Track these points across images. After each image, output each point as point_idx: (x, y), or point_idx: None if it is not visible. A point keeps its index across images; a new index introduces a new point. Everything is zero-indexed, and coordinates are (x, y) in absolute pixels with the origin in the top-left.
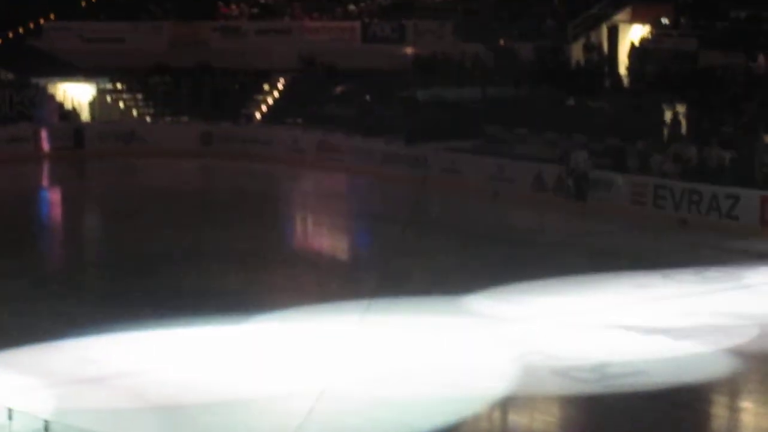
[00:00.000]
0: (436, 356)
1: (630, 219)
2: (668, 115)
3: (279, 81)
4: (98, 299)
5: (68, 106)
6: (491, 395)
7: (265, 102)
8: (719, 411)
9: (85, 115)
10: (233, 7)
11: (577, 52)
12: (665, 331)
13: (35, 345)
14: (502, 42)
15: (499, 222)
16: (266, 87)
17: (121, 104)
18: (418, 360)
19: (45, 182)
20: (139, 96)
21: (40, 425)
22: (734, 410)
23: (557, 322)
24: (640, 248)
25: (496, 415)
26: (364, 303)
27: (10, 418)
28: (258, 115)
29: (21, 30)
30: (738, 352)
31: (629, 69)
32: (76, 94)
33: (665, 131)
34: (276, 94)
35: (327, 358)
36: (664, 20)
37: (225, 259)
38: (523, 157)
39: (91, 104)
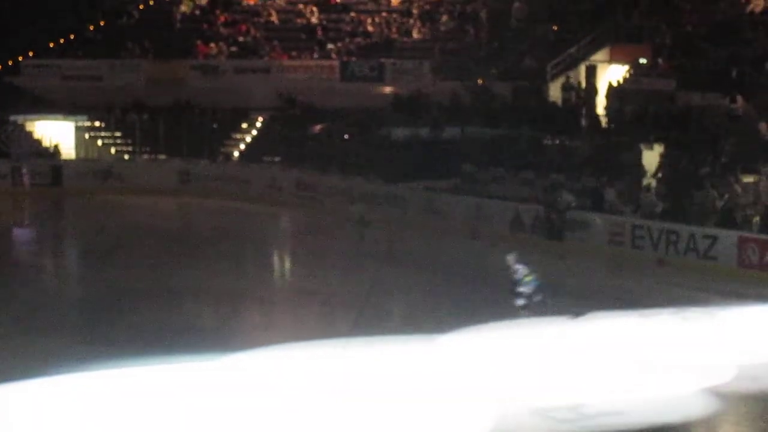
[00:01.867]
0: (410, 398)
1: (608, 259)
2: (646, 156)
3: (257, 119)
4: (76, 336)
5: (46, 143)
6: None
7: (244, 140)
8: None
9: (63, 152)
10: (212, 45)
11: (555, 91)
12: (643, 371)
13: (12, 382)
14: (480, 81)
15: (476, 261)
16: (244, 125)
17: (99, 142)
18: (393, 402)
19: (23, 219)
20: (117, 134)
21: None
22: None
23: (534, 362)
24: (618, 288)
25: None
26: (340, 342)
27: None
28: (236, 154)
29: None
30: (715, 393)
31: (607, 109)
32: (54, 132)
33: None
34: (254, 132)
35: (303, 398)
36: (642, 60)
37: (202, 297)
38: (501, 196)
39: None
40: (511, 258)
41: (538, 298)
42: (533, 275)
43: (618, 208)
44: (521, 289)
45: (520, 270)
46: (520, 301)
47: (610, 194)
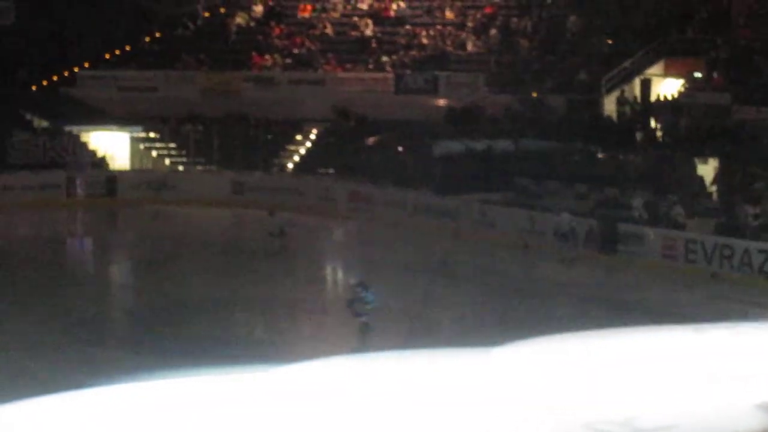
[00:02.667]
0: (462, 411)
1: (661, 273)
2: (700, 170)
3: (311, 131)
4: (128, 346)
5: (101, 154)
6: None
7: (297, 152)
8: None
9: (117, 163)
10: (267, 57)
11: (609, 105)
12: (696, 385)
13: (63, 392)
14: (534, 94)
15: (529, 274)
16: (299, 137)
17: (154, 153)
18: (445, 414)
19: (77, 230)
20: (172, 145)
21: None
22: None
23: (587, 375)
24: (672, 302)
25: None
26: (392, 354)
27: None
28: (290, 165)
29: (55, 78)
30: None
31: (662, 123)
32: (109, 143)
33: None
34: (308, 144)
35: (355, 409)
36: (697, 74)
37: (254, 308)
38: (554, 209)
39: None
40: (354, 282)
41: (362, 319)
42: (372, 303)
43: (674, 222)
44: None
45: (367, 296)
46: (362, 319)
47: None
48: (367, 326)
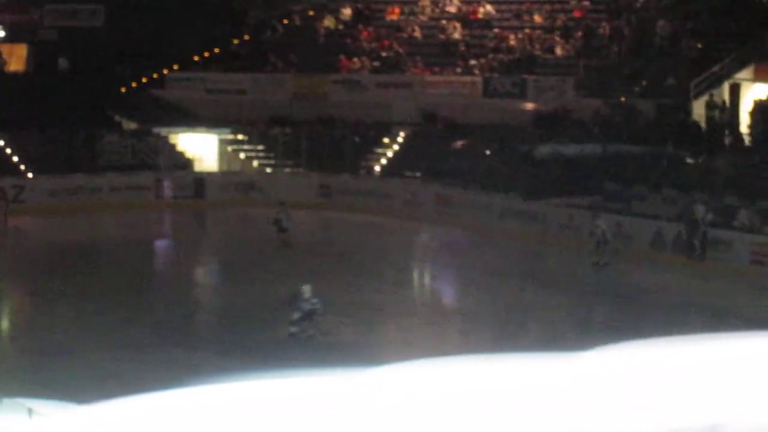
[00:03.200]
0: (549, 415)
1: (750, 279)
2: None
3: (399, 134)
4: (213, 348)
5: (189, 155)
6: None
7: (385, 155)
8: None
9: (205, 165)
10: (355, 60)
11: (698, 109)
12: None
13: (151, 393)
14: (623, 99)
15: (616, 280)
16: (386, 140)
17: (242, 155)
18: (530, 418)
19: (165, 231)
20: (260, 147)
21: None
22: None
23: (674, 380)
24: (762, 309)
25: None
26: (480, 357)
27: None
28: (377, 168)
29: (145, 80)
30: None
31: (751, 128)
32: (197, 144)
33: None
34: (395, 147)
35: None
36: None
37: (341, 311)
38: (642, 214)
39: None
40: (306, 288)
41: (310, 332)
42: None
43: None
44: (297, 318)
45: (315, 303)
46: (293, 329)
47: (742, 216)
48: (296, 336)
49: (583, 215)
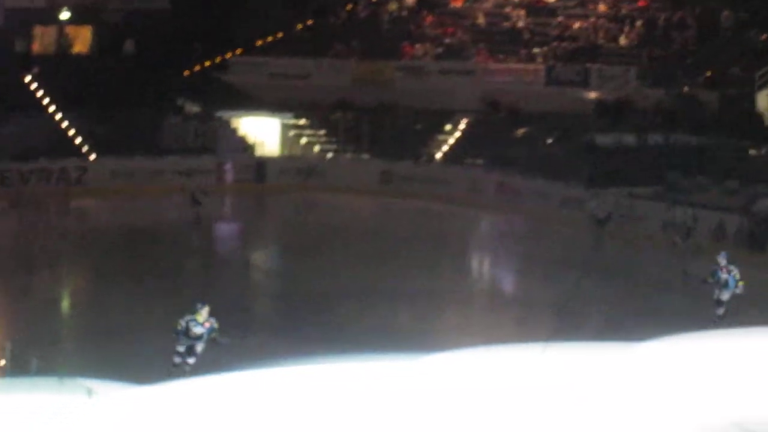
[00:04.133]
0: (607, 405)
1: None
2: None
3: (461, 121)
4: (270, 332)
5: (251, 140)
6: None
7: (446, 142)
8: None
9: (267, 149)
10: (418, 46)
11: (762, 101)
12: None
13: (210, 375)
14: (686, 89)
15: (675, 270)
16: (448, 127)
17: (303, 139)
18: (588, 409)
19: (226, 215)
20: (321, 132)
21: None
22: None
23: (737, 373)
24: None
25: None
26: (537, 348)
27: None
28: (438, 155)
29: (208, 64)
30: None
31: None
32: (260, 129)
33: None
34: (457, 134)
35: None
36: None
37: (398, 298)
38: (704, 205)
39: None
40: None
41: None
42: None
43: None
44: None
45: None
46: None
47: None
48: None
49: (645, 205)
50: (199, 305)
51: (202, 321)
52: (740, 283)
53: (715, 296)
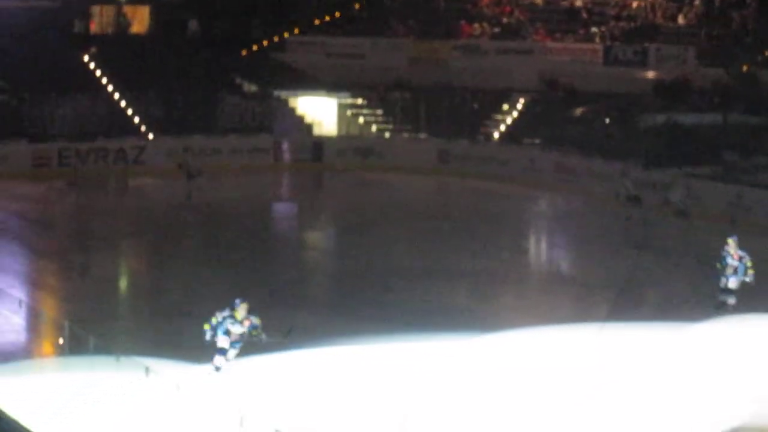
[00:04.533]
0: (664, 384)
1: None
2: None
3: (518, 101)
4: (328, 311)
5: (308, 119)
6: (720, 426)
7: (504, 121)
8: None
9: (324, 128)
10: (475, 25)
11: None
12: None
13: (268, 354)
14: (745, 68)
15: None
16: (505, 107)
17: (361, 119)
18: (646, 387)
19: (283, 194)
20: (379, 111)
21: None
22: None
23: None
24: None
25: None
26: (595, 327)
27: (241, 425)
28: (496, 135)
29: (265, 43)
30: None
31: None
32: (317, 108)
33: None
34: (515, 113)
35: (553, 382)
36: None
37: (456, 277)
38: (763, 185)
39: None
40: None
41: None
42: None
43: None
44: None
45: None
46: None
47: None
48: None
49: (703, 185)
50: (237, 301)
51: (240, 319)
52: (750, 271)
53: (722, 284)
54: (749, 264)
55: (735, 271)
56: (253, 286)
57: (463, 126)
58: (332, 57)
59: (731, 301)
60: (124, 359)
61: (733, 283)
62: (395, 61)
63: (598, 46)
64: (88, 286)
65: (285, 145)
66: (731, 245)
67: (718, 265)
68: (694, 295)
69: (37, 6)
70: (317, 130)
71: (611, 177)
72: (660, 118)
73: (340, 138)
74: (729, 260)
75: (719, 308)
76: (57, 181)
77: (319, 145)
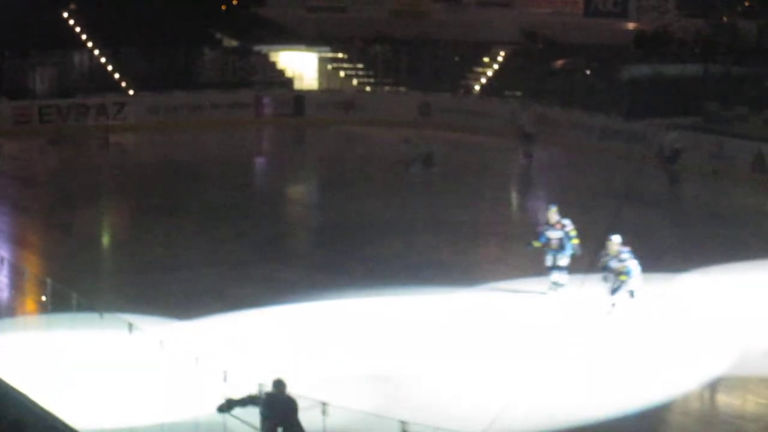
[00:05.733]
0: (648, 334)
1: None
2: None
3: (499, 53)
4: (310, 266)
5: (289, 74)
6: (703, 376)
7: (485, 74)
8: None
9: (305, 83)
10: None
11: None
12: None
13: (250, 309)
14: (725, 18)
15: (716, 201)
16: (486, 59)
17: (342, 73)
18: (630, 338)
19: (264, 149)
20: (360, 65)
21: (255, 390)
22: None
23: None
24: None
25: (708, 395)
26: (578, 278)
27: (225, 380)
28: (477, 88)
29: None
30: None
31: None
32: (298, 62)
33: None
34: (495, 66)
35: (537, 333)
36: None
37: (438, 230)
38: (744, 135)
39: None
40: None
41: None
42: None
43: None
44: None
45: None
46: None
47: None
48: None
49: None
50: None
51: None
52: (574, 242)
53: (548, 262)
54: (573, 233)
55: (561, 246)
56: (236, 241)
57: (444, 79)
58: (312, 11)
59: (563, 280)
60: (107, 316)
61: (562, 260)
62: (376, 15)
63: None
64: (70, 243)
65: (266, 100)
66: (552, 213)
67: (536, 243)
68: (677, 244)
69: None
70: (298, 85)
71: (593, 129)
72: (641, 69)
73: (321, 92)
74: (550, 233)
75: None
76: (38, 138)
77: (301, 99)
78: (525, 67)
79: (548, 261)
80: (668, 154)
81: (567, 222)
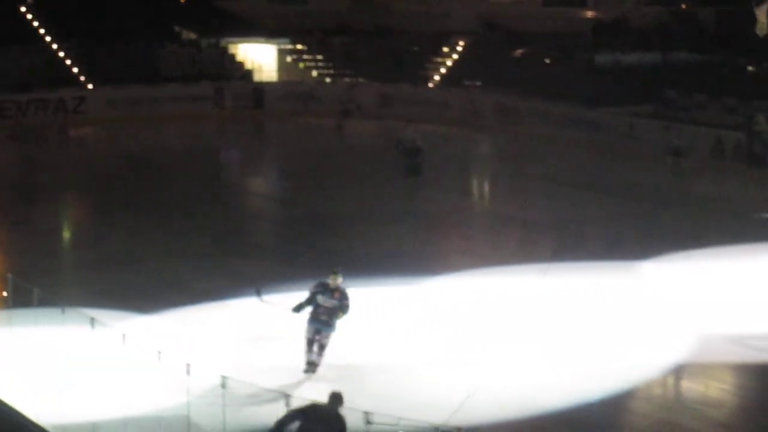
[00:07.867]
0: (609, 323)
1: None
2: None
3: (458, 43)
4: (272, 259)
5: (248, 66)
6: (665, 362)
7: (444, 64)
8: None
9: (265, 75)
10: None
11: (761, 18)
12: None
13: (213, 302)
14: (683, 6)
15: (676, 188)
16: (445, 49)
17: (301, 65)
18: (591, 326)
19: (225, 141)
20: (319, 57)
21: (217, 381)
22: None
23: (733, 290)
24: None
25: (670, 382)
26: (540, 268)
27: (188, 373)
28: (437, 78)
29: None
30: None
31: None
32: (257, 55)
33: None
34: (455, 56)
35: (500, 322)
36: None
37: (402, 220)
38: (702, 122)
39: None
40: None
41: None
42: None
43: None
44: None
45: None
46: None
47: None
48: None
49: (644, 123)
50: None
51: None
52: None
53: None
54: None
55: (329, 318)
56: (197, 235)
57: (404, 69)
58: (272, 3)
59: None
60: (69, 311)
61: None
62: (335, 6)
63: None
64: (30, 238)
65: (225, 92)
66: (335, 278)
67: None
68: (636, 233)
69: None
70: (257, 77)
71: (553, 117)
72: (601, 58)
73: (280, 84)
74: (322, 298)
75: None
76: None
77: (260, 91)
78: (484, 57)
79: (309, 332)
80: (410, 147)
81: (347, 293)
